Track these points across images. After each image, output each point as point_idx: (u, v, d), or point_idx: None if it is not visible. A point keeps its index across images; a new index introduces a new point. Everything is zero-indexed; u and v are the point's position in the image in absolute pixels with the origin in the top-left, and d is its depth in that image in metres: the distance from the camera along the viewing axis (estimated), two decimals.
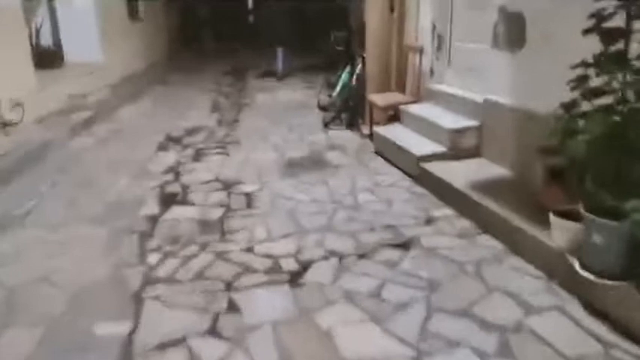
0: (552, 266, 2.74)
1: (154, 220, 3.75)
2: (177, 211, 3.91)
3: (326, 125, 6.40)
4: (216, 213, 3.84)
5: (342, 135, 6.01)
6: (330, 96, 6.90)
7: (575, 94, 2.65)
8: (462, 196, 3.64)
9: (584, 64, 2.61)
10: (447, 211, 3.70)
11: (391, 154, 4.77)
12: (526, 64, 3.68)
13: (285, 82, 9.81)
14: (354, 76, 6.37)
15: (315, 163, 4.97)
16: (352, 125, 6.29)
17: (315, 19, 12.42)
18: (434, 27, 4.99)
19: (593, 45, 2.52)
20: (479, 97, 4.31)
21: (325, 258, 3.11)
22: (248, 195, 4.18)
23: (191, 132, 6.36)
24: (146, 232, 3.55)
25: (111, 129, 6.54)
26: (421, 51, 5.13)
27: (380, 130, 5.10)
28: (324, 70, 10.43)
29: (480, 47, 4.36)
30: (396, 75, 5.89)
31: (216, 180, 4.58)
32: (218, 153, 5.43)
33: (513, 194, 3.48)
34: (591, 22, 2.52)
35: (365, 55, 6.16)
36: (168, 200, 4.13)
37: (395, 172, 4.57)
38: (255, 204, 4.00)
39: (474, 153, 4.28)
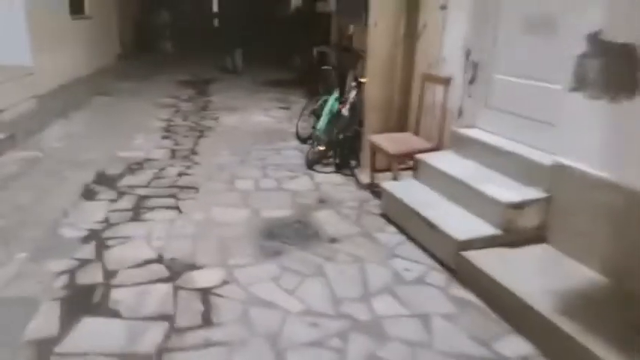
0: None
1: (45, 352, 2.25)
2: (87, 332, 2.41)
3: (310, 166, 5.02)
4: (152, 337, 2.37)
5: (332, 181, 4.64)
6: (313, 128, 5.55)
7: None
8: (543, 322, 2.33)
9: None
10: (520, 345, 2.39)
11: (409, 224, 3.43)
12: None
13: (254, 100, 8.37)
14: (348, 105, 5.03)
15: (302, 231, 3.56)
16: (344, 168, 4.94)
17: (288, 27, 11.05)
18: (468, 52, 3.72)
19: None
20: (543, 157, 3.05)
21: None
22: (206, 295, 2.73)
23: (133, 168, 4.83)
24: None
25: (25, 160, 4.91)
26: (447, 83, 3.85)
27: (390, 186, 3.76)
28: (300, 87, 9.15)
29: (545, 87, 3.12)
30: (398, 109, 4.61)
31: (159, 260, 3.10)
32: (167, 207, 3.94)
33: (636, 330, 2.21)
34: None
35: (363, 79, 4.86)
36: (77, 304, 2.62)
37: (418, 254, 3.23)
38: (218, 316, 2.55)
39: (535, 236, 3.01)
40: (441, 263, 3.07)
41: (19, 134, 5.50)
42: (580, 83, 2.75)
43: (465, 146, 3.70)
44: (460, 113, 3.82)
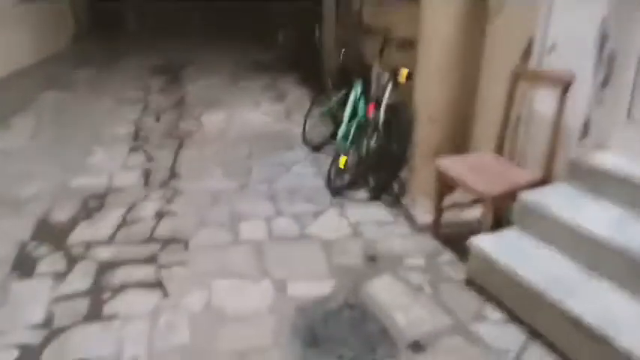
0: None
1: None
2: None
3: (336, 192, 3.71)
4: None
5: (372, 217, 3.35)
6: (334, 135, 4.22)
7: None
8: None
9: None
10: None
11: (532, 313, 2.20)
12: None
13: (239, 89, 6.90)
14: (383, 107, 3.70)
15: (360, 327, 2.29)
16: (383, 193, 3.65)
17: None
18: (603, 38, 2.42)
19: None
20: None
21: None
22: None
23: (90, 207, 3.44)
24: None
25: None
26: (567, 84, 2.55)
27: (485, 245, 2.49)
28: (290, 70, 7.73)
29: None
30: (462, 119, 3.29)
31: None
32: (143, 284, 2.59)
33: None
34: None
35: (405, 72, 3.54)
36: None
37: None
38: None
39: None
40: None
41: None
42: None
43: (596, 180, 2.45)
44: (585, 130, 2.54)
